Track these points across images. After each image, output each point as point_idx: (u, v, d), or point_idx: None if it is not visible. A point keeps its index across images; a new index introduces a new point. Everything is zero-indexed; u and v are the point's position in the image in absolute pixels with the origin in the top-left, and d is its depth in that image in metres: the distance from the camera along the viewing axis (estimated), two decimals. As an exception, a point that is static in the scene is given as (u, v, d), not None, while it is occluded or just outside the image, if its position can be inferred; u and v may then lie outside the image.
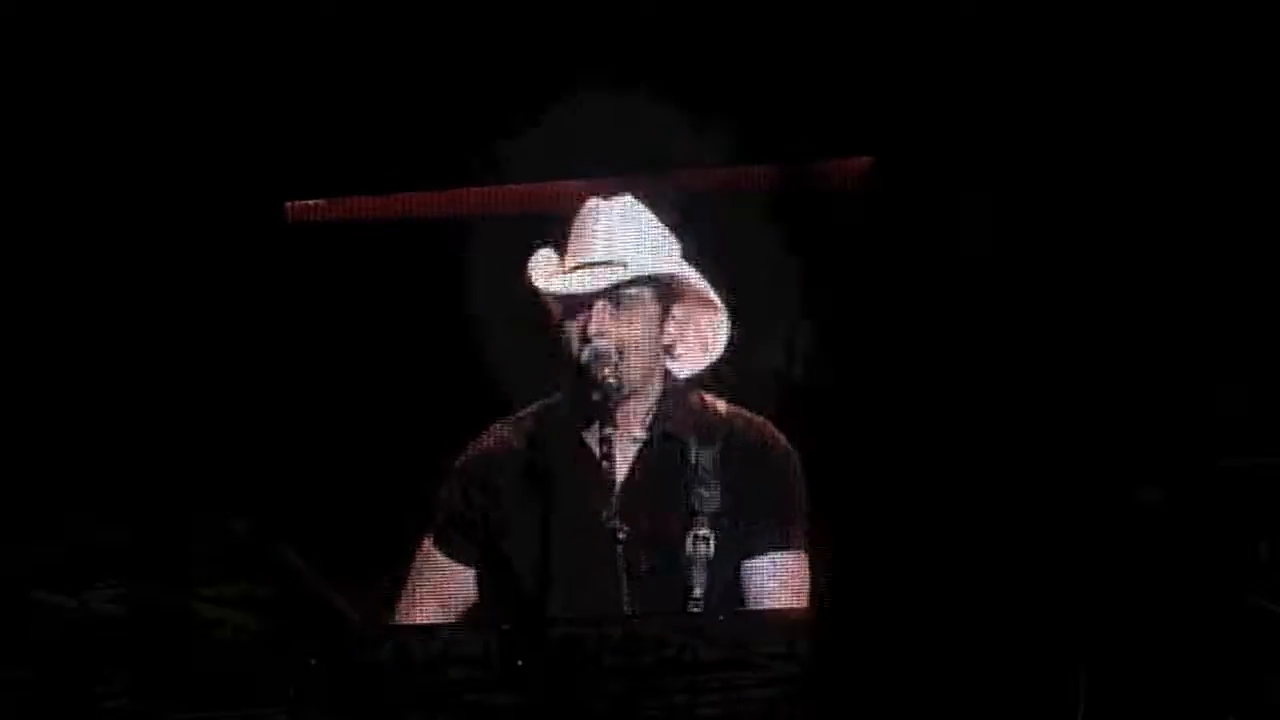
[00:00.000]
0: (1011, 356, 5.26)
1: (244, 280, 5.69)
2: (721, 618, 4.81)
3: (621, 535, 4.78)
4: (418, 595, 5.13)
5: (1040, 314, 5.26)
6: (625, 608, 4.76)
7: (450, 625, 5.06)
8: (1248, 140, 5.21)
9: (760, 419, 5.04)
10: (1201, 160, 5.21)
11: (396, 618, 5.11)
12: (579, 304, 4.95)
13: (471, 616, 5.09)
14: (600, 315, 4.92)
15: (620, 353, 4.90)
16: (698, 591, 4.88)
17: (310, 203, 5.54)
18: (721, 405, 5.03)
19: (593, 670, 5.18)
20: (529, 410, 5.13)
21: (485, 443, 5.11)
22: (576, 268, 5.00)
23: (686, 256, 5.05)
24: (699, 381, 5.06)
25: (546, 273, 5.02)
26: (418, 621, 5.06)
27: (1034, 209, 5.26)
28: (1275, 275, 5.16)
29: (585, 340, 4.92)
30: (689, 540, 4.88)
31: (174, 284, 5.70)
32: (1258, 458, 5.02)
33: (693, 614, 4.89)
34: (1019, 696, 5.15)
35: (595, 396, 4.86)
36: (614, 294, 4.93)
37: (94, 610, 5.55)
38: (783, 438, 5.04)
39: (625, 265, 4.94)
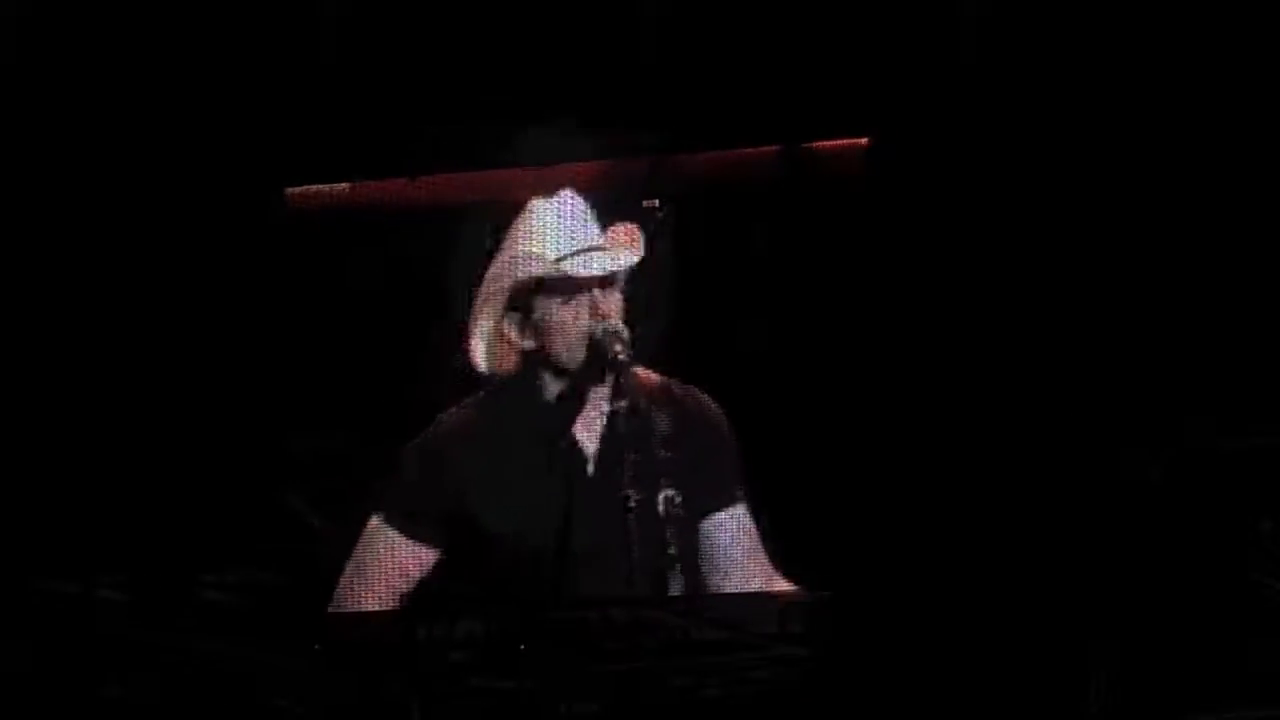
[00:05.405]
0: (1008, 338, 5.29)
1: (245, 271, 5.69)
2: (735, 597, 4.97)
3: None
4: (369, 575, 5.23)
5: (1039, 295, 5.29)
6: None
7: (455, 609, 5.16)
8: (1247, 139, 5.24)
9: (689, 386, 5.16)
10: (1202, 151, 5.23)
11: (342, 596, 5.19)
12: (575, 288, 5.08)
13: (419, 595, 5.18)
14: (605, 296, 5.07)
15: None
16: (674, 549, 5.00)
17: (312, 190, 5.56)
18: (655, 376, 5.15)
19: (596, 652, 5.26)
20: (474, 399, 5.20)
21: (445, 425, 5.19)
22: (573, 254, 5.13)
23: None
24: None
25: (542, 260, 5.14)
26: (365, 601, 5.17)
27: (1033, 193, 5.29)
28: (1276, 259, 5.19)
29: (595, 319, 5.07)
30: (661, 501, 4.98)
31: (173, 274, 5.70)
32: (1258, 437, 5.05)
33: (692, 596, 5.02)
34: (1022, 673, 5.19)
35: (606, 370, 5.03)
36: (610, 276, 5.08)
37: (97, 597, 5.58)
38: (713, 402, 5.16)
39: (616, 251, 5.10)
